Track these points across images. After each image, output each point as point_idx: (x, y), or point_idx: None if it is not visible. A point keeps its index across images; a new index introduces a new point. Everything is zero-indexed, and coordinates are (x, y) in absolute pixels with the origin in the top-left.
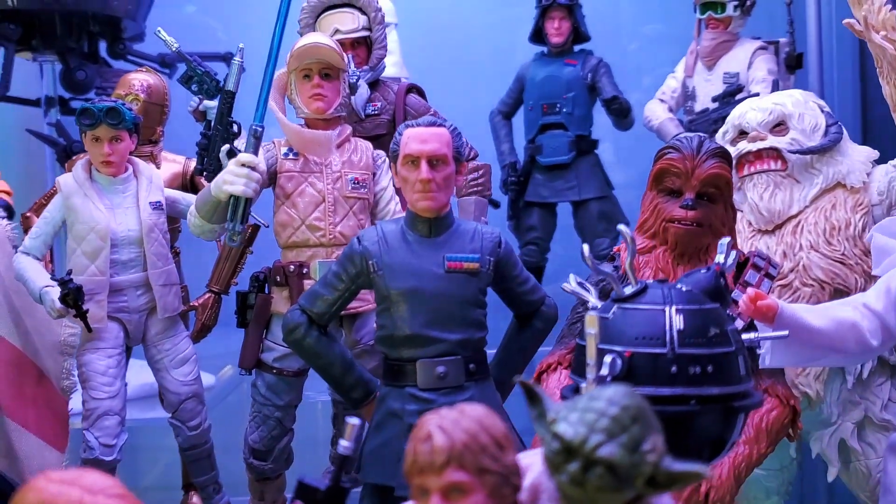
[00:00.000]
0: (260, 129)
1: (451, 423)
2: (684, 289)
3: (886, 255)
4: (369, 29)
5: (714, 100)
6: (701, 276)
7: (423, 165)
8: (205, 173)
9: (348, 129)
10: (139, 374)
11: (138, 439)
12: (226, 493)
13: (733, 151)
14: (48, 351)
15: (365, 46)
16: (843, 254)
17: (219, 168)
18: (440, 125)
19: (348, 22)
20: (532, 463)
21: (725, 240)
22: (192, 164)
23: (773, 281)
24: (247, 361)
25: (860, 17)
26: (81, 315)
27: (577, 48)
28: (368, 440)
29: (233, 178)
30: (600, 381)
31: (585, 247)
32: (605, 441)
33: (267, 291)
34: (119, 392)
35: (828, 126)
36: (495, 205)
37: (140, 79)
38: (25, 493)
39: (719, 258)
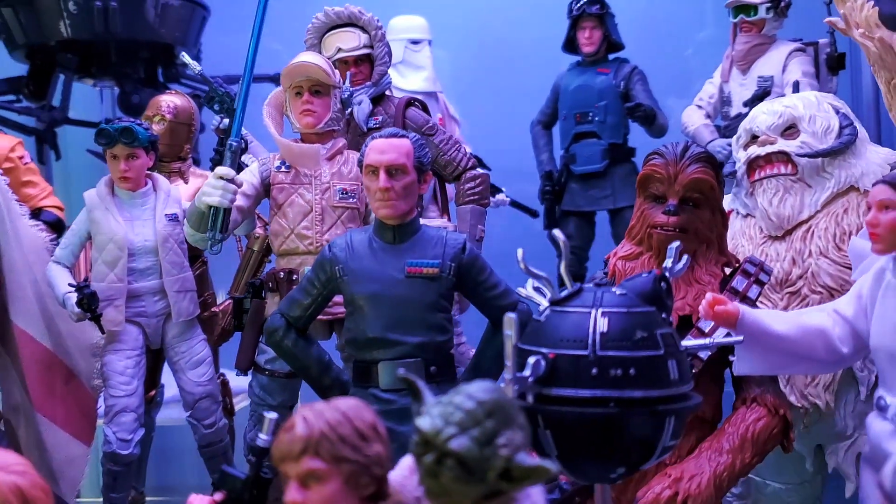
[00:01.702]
0: (236, 144)
1: (315, 414)
2: (619, 292)
3: (861, 259)
4: (371, 46)
5: (745, 104)
6: (639, 280)
7: (382, 175)
8: None
9: (341, 142)
10: None
11: (176, 440)
12: None
13: (745, 156)
14: (81, 353)
15: (368, 63)
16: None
17: None
18: (402, 136)
19: (350, 40)
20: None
21: (675, 244)
22: None
23: (762, 287)
24: (242, 363)
25: (843, 14)
26: (95, 318)
27: (610, 57)
28: None
29: (210, 190)
30: (520, 381)
31: (520, 251)
32: (457, 433)
33: (263, 297)
34: (136, 391)
35: (842, 127)
36: (533, 214)
37: (167, 100)
38: None
39: (667, 262)
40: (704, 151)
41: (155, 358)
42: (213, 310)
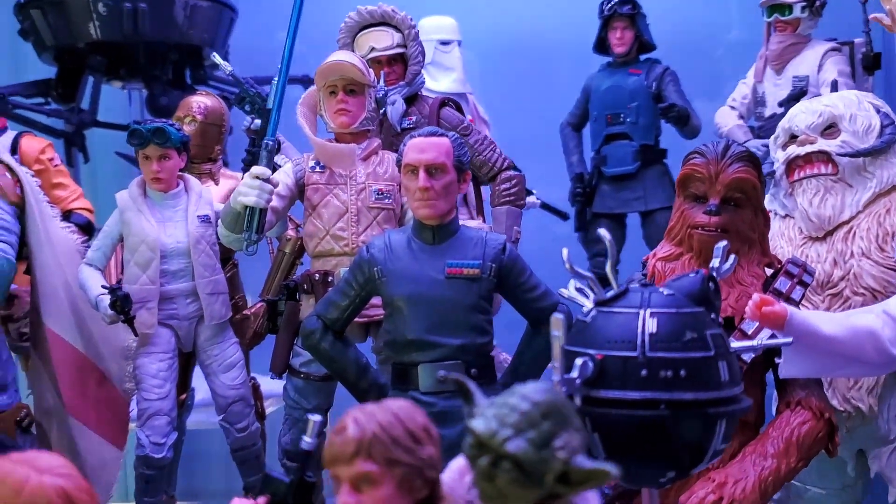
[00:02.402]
0: (272, 144)
1: (367, 416)
2: (666, 293)
3: None
4: (404, 46)
5: (780, 104)
6: (687, 280)
7: (422, 174)
8: None
9: (376, 142)
10: None
11: (204, 444)
12: None
13: (783, 156)
14: (113, 355)
15: (401, 63)
16: None
17: None
18: (441, 135)
19: (384, 40)
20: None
21: (721, 243)
22: None
23: (806, 288)
24: (277, 366)
25: (889, 11)
26: (129, 321)
27: (642, 57)
28: None
29: (247, 190)
30: (567, 383)
31: (565, 251)
32: (512, 436)
33: (297, 299)
34: (169, 394)
35: (883, 127)
36: (563, 216)
37: (198, 101)
38: None
39: (714, 262)
40: (746, 150)
41: (186, 361)
42: (244, 312)
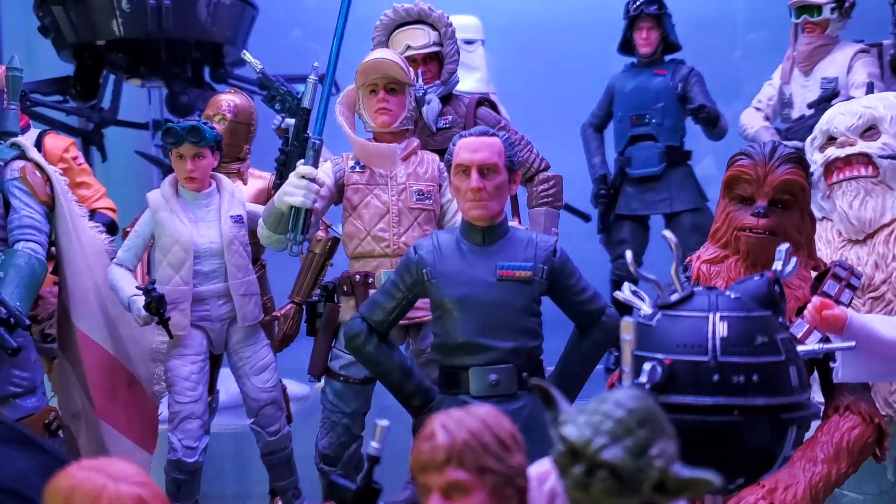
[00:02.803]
0: (319, 143)
1: (455, 422)
2: (733, 296)
3: None
4: (440, 44)
5: (810, 106)
6: (752, 283)
7: (474, 174)
8: None
9: (415, 142)
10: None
11: (230, 446)
12: (305, 499)
13: (821, 158)
14: (141, 357)
15: (437, 61)
16: None
17: None
18: (492, 135)
19: (420, 38)
20: (551, 468)
21: (784, 246)
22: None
23: (854, 291)
24: (316, 369)
25: None
26: (163, 322)
27: (667, 58)
28: None
29: (293, 190)
30: (637, 388)
31: (629, 253)
32: (609, 444)
33: (336, 301)
34: (201, 396)
35: None
36: (586, 218)
37: (227, 99)
38: (58, 478)
39: (776, 265)
40: (794, 152)
41: (212, 364)
42: (274, 314)
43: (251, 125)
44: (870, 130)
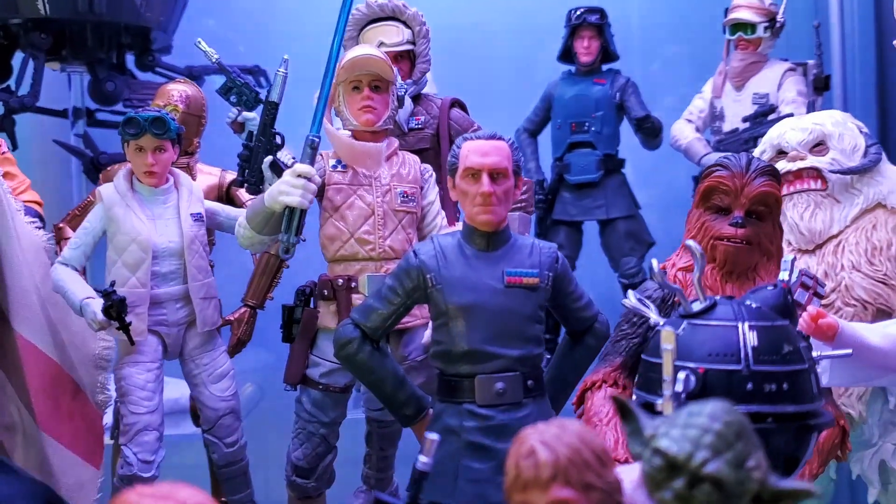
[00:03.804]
0: (317, 140)
1: (554, 438)
2: (753, 305)
3: None
4: (413, 42)
5: (745, 120)
6: (769, 293)
7: (485, 178)
8: (246, 185)
9: (396, 143)
10: (167, 390)
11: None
12: None
13: None
14: (83, 364)
15: (408, 60)
16: (885, 274)
17: (261, 180)
18: (499, 138)
19: (393, 35)
20: (624, 479)
21: (789, 257)
22: (228, 175)
23: (821, 300)
24: (293, 377)
25: None
26: (125, 327)
27: (604, 67)
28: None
29: (289, 189)
30: (675, 398)
31: (654, 261)
32: (711, 457)
33: (312, 305)
34: (158, 407)
35: (867, 147)
36: None
37: (179, 89)
38: None
39: (783, 275)
40: (769, 165)
41: None
42: (227, 318)
43: (202, 117)
44: (819, 146)
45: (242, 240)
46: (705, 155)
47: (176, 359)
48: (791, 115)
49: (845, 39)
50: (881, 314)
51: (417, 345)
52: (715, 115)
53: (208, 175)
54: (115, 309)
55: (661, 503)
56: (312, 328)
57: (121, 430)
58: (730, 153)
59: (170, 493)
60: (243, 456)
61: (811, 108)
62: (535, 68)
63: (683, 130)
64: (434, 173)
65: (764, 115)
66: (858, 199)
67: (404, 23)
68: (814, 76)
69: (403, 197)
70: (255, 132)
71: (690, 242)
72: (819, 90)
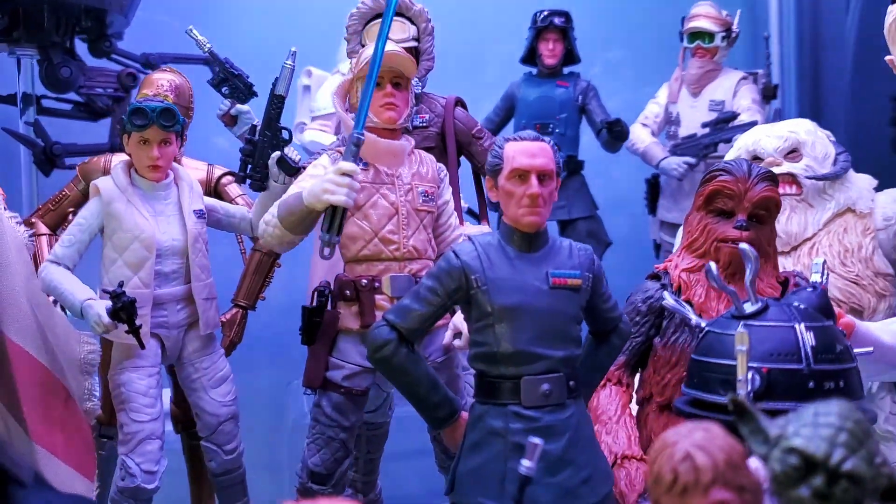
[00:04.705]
0: (362, 139)
1: (706, 442)
2: (801, 306)
3: None
4: (418, 39)
5: (705, 125)
6: (811, 294)
7: (534, 180)
8: (250, 181)
9: (413, 141)
10: None
11: None
12: None
13: None
14: (71, 370)
15: (413, 57)
16: (857, 275)
17: (266, 176)
18: (542, 139)
19: (398, 31)
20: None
21: (820, 259)
22: (216, 170)
23: None
24: (315, 380)
25: None
26: (135, 331)
27: (566, 70)
28: (464, 460)
29: (334, 188)
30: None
31: (713, 264)
32: (848, 455)
33: (330, 307)
34: (160, 414)
35: (837, 154)
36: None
37: (167, 79)
38: None
39: (815, 277)
40: (768, 171)
41: None
42: (219, 319)
43: (190, 108)
44: (793, 153)
45: (270, 238)
46: (663, 159)
47: (171, 363)
48: (754, 122)
49: (783, 50)
50: (853, 313)
51: (438, 346)
52: (670, 121)
53: (195, 170)
54: (126, 311)
55: (794, 501)
56: (333, 330)
57: (120, 440)
58: (732, 159)
59: None
60: (241, 463)
61: (779, 116)
62: (484, 69)
63: (640, 135)
64: (448, 173)
65: (725, 122)
66: (830, 203)
67: (410, 19)
68: (763, 85)
69: (425, 196)
70: (258, 126)
71: (745, 246)
72: (767, 99)
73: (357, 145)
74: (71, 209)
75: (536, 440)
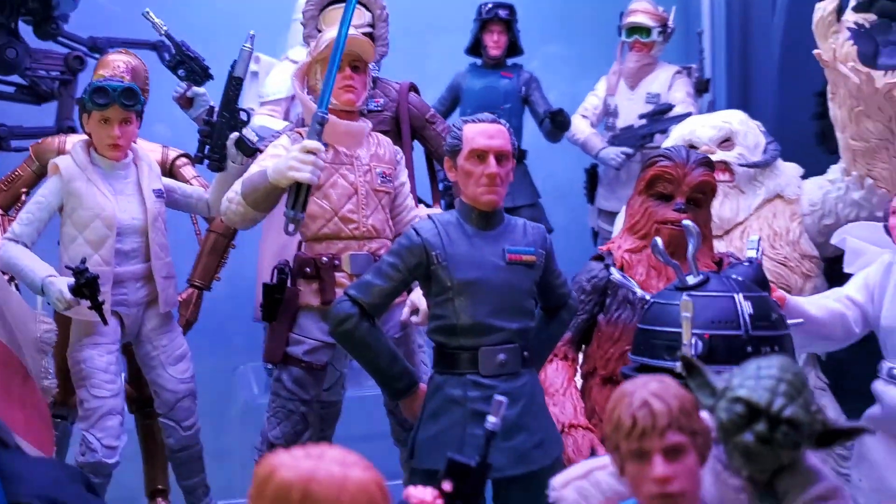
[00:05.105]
0: (326, 118)
1: (662, 391)
2: (739, 278)
3: (858, 256)
4: (373, 26)
5: (642, 117)
6: (748, 268)
7: (492, 160)
8: (208, 161)
9: (370, 124)
10: None
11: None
12: (213, 496)
13: None
14: (28, 347)
15: None
16: (784, 257)
17: (224, 157)
18: (500, 122)
19: (355, 17)
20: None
21: (755, 237)
22: (171, 152)
23: None
24: (276, 355)
25: (827, 49)
26: (97, 306)
27: (509, 62)
28: (424, 427)
29: (299, 165)
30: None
31: (659, 240)
32: (788, 403)
33: (290, 284)
34: (120, 390)
35: (767, 144)
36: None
37: (124, 60)
38: (274, 473)
39: (751, 253)
40: (706, 156)
41: None
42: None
43: (145, 90)
44: (726, 142)
45: (233, 216)
46: (602, 149)
47: (130, 341)
48: (689, 114)
49: (715, 46)
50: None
51: (395, 322)
52: (609, 112)
53: (150, 151)
54: (89, 287)
55: (739, 446)
56: (294, 307)
57: (80, 416)
58: (671, 146)
59: (321, 454)
60: (199, 440)
61: (712, 108)
62: (427, 60)
63: (580, 126)
64: (403, 155)
65: (661, 113)
66: (760, 190)
67: (365, 6)
68: (696, 79)
69: (383, 177)
70: (215, 108)
71: (688, 222)
72: (699, 92)
73: (321, 124)
74: (24, 189)
75: (501, 398)
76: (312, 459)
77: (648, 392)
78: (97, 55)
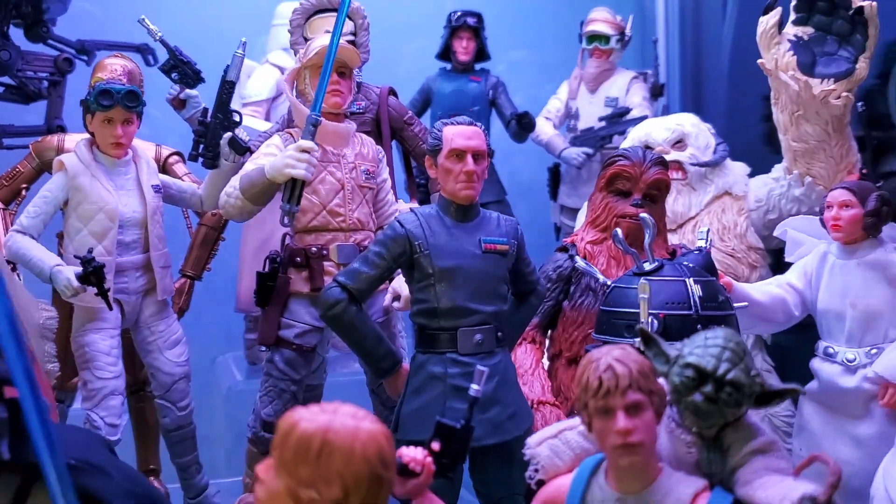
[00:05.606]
0: (319, 120)
1: (623, 357)
2: (690, 265)
3: (798, 246)
4: (355, 34)
5: (602, 119)
6: (698, 256)
7: (469, 159)
8: (202, 160)
9: (354, 125)
10: None
11: None
12: (205, 473)
13: None
14: (33, 333)
15: None
16: (732, 249)
17: (217, 155)
18: (476, 125)
19: None
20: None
21: (705, 228)
22: (164, 150)
23: None
24: (269, 338)
25: (770, 59)
26: (103, 293)
27: (477, 66)
28: (408, 403)
29: (295, 163)
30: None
31: (619, 230)
32: (731, 368)
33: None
34: (121, 373)
35: (717, 145)
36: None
37: (121, 63)
38: (294, 426)
39: (700, 243)
40: (661, 156)
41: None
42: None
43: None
44: (679, 143)
45: (231, 209)
46: (564, 149)
47: (129, 327)
48: (645, 117)
49: (669, 53)
50: None
51: (378, 308)
52: (570, 115)
53: (145, 149)
54: (95, 275)
55: (690, 405)
56: (285, 293)
57: (84, 396)
58: (629, 147)
59: (334, 409)
60: (192, 420)
61: (666, 111)
62: (397, 64)
63: (543, 127)
64: (385, 154)
65: (619, 116)
66: (710, 187)
67: (348, 16)
68: (651, 84)
69: (367, 174)
70: (209, 110)
71: (644, 215)
72: (654, 97)
73: (315, 125)
74: (24, 185)
75: (483, 368)
76: (328, 413)
77: (612, 357)
78: (85, 57)
